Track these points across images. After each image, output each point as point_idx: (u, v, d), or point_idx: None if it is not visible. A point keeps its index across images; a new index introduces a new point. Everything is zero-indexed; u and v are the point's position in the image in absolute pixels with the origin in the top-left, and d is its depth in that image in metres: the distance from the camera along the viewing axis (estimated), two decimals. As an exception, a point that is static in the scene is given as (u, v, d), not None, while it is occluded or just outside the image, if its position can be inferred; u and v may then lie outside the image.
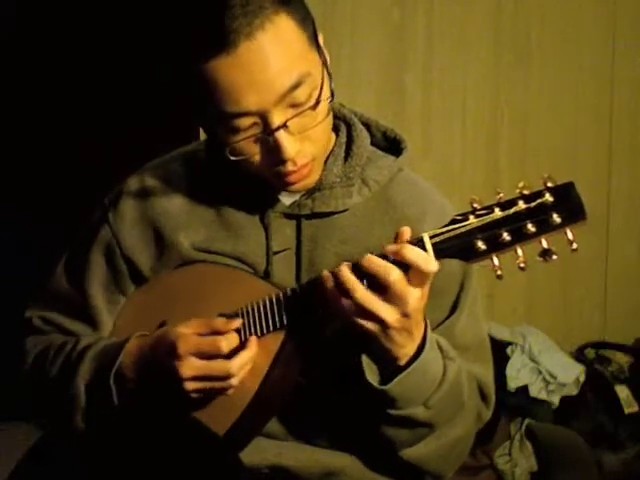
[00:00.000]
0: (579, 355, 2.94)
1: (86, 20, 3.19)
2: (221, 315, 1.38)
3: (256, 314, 1.34)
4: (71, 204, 2.83)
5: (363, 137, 1.45)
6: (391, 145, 1.48)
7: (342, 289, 1.22)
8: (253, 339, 1.32)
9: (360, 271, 1.22)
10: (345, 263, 1.24)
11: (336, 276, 1.23)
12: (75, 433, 1.38)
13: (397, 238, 1.23)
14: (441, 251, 1.20)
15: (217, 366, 1.29)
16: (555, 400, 2.73)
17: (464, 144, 3.08)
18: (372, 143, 1.47)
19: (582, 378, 2.77)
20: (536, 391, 2.73)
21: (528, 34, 3.05)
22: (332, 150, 1.42)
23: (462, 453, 1.44)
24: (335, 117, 1.45)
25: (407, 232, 1.23)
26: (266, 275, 1.40)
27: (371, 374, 1.29)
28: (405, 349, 1.26)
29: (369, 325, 1.22)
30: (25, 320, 1.54)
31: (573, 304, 3.12)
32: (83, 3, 3.19)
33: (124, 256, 1.46)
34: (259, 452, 1.37)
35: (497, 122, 3.07)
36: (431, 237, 1.21)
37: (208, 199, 1.44)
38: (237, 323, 1.33)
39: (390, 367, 1.28)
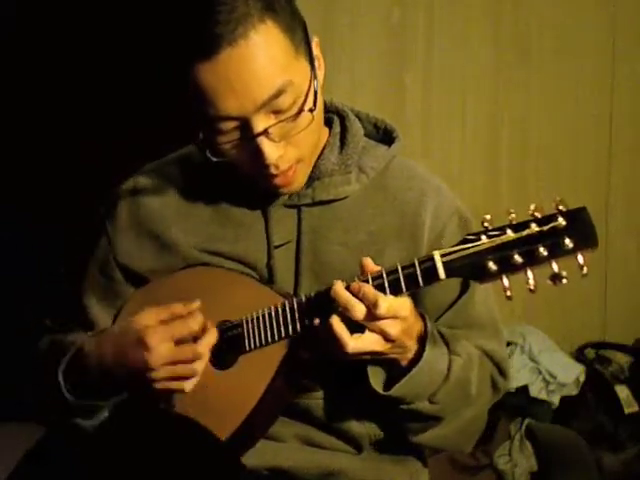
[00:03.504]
0: (579, 355, 2.93)
1: (86, 20, 3.19)
2: (225, 322, 1.38)
3: (260, 323, 1.34)
4: (71, 204, 2.83)
5: (357, 127, 1.46)
6: (383, 136, 1.49)
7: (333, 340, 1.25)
8: (211, 327, 1.32)
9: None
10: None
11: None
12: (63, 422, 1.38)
13: (362, 270, 1.26)
14: (452, 270, 1.21)
15: (186, 350, 1.29)
16: (555, 400, 2.73)
17: (464, 144, 3.08)
18: (364, 135, 1.48)
19: (582, 378, 2.77)
20: (536, 391, 2.73)
21: (528, 34, 3.05)
22: (327, 141, 1.43)
23: (477, 430, 1.47)
24: (327, 110, 1.46)
25: (369, 264, 1.26)
26: (268, 270, 1.40)
27: (375, 377, 1.31)
28: (404, 355, 1.29)
29: (361, 356, 1.26)
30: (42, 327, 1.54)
31: (573, 304, 3.11)
32: (83, 3, 3.19)
33: (119, 264, 1.46)
34: (258, 454, 1.37)
35: (497, 122, 3.07)
36: (442, 255, 1.21)
37: (205, 199, 1.44)
38: (195, 305, 1.31)
39: (394, 370, 1.31)
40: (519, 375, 2.74)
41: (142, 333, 1.29)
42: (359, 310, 1.23)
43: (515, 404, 2.72)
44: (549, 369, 2.74)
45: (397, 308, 1.23)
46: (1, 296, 3.13)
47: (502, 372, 1.46)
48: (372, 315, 1.23)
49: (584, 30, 3.05)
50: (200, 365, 1.29)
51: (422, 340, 1.30)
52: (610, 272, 3.10)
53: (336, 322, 1.24)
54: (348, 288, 1.25)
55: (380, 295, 1.23)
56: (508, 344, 2.78)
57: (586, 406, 2.74)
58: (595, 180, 3.07)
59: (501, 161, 3.08)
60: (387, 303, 1.22)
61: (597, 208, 2.97)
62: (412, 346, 1.29)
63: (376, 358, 1.28)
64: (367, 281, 1.25)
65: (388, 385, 1.31)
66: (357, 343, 1.24)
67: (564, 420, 2.71)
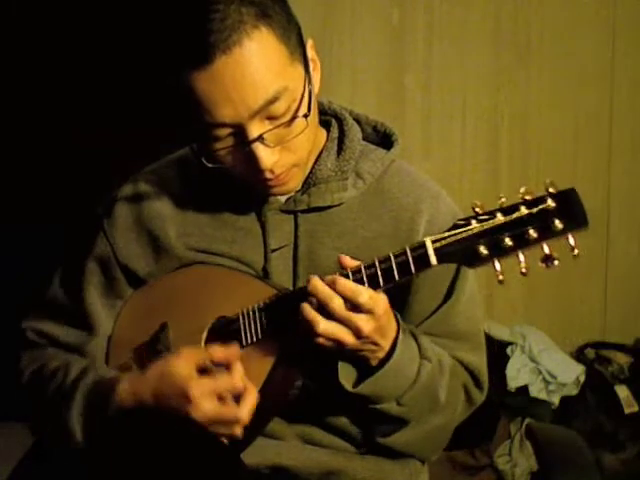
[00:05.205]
0: (579, 355, 2.94)
1: (85, 22, 3.20)
2: (222, 317, 1.38)
3: (257, 316, 1.34)
4: (71, 204, 2.83)
5: (355, 131, 1.45)
6: (382, 139, 1.48)
7: (306, 322, 1.25)
8: (251, 387, 1.31)
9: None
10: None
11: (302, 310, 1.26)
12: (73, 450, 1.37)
13: (341, 265, 1.27)
14: (443, 256, 1.21)
15: (229, 412, 1.28)
16: (555, 400, 2.73)
17: (464, 144, 3.08)
18: (363, 138, 1.47)
19: (582, 378, 2.77)
20: (536, 391, 2.73)
21: (528, 34, 3.05)
22: (324, 145, 1.43)
23: (443, 440, 1.47)
24: (325, 113, 1.47)
25: (345, 259, 1.27)
26: (264, 273, 1.41)
27: (345, 374, 1.32)
28: (375, 354, 1.30)
29: (329, 344, 1.26)
30: (20, 331, 1.52)
31: (573, 304, 3.11)
32: (83, 4, 3.20)
33: (120, 263, 1.46)
34: (259, 452, 1.37)
35: (497, 122, 3.07)
36: (433, 242, 1.21)
37: (203, 201, 1.45)
38: (236, 350, 1.31)
39: (363, 367, 1.31)
40: (519, 375, 2.74)
41: (184, 385, 1.27)
42: (337, 303, 1.23)
43: (515, 404, 2.72)
44: (549, 369, 2.74)
45: (375, 301, 1.24)
46: (1, 296, 3.13)
47: (478, 384, 1.46)
48: (348, 309, 1.24)
49: (584, 30, 3.06)
50: (239, 429, 1.29)
51: (394, 341, 1.31)
52: (610, 272, 3.10)
53: (307, 306, 1.25)
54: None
55: (359, 286, 1.24)
56: (508, 344, 2.78)
57: (586, 406, 2.75)
58: (595, 180, 3.07)
59: (501, 161, 3.08)
60: (368, 293, 1.23)
61: (597, 208, 2.97)
62: (385, 346, 1.29)
63: (347, 354, 1.28)
64: (360, 271, 1.25)
65: (358, 383, 1.31)
66: (328, 325, 1.24)
67: (564, 420, 2.71)
